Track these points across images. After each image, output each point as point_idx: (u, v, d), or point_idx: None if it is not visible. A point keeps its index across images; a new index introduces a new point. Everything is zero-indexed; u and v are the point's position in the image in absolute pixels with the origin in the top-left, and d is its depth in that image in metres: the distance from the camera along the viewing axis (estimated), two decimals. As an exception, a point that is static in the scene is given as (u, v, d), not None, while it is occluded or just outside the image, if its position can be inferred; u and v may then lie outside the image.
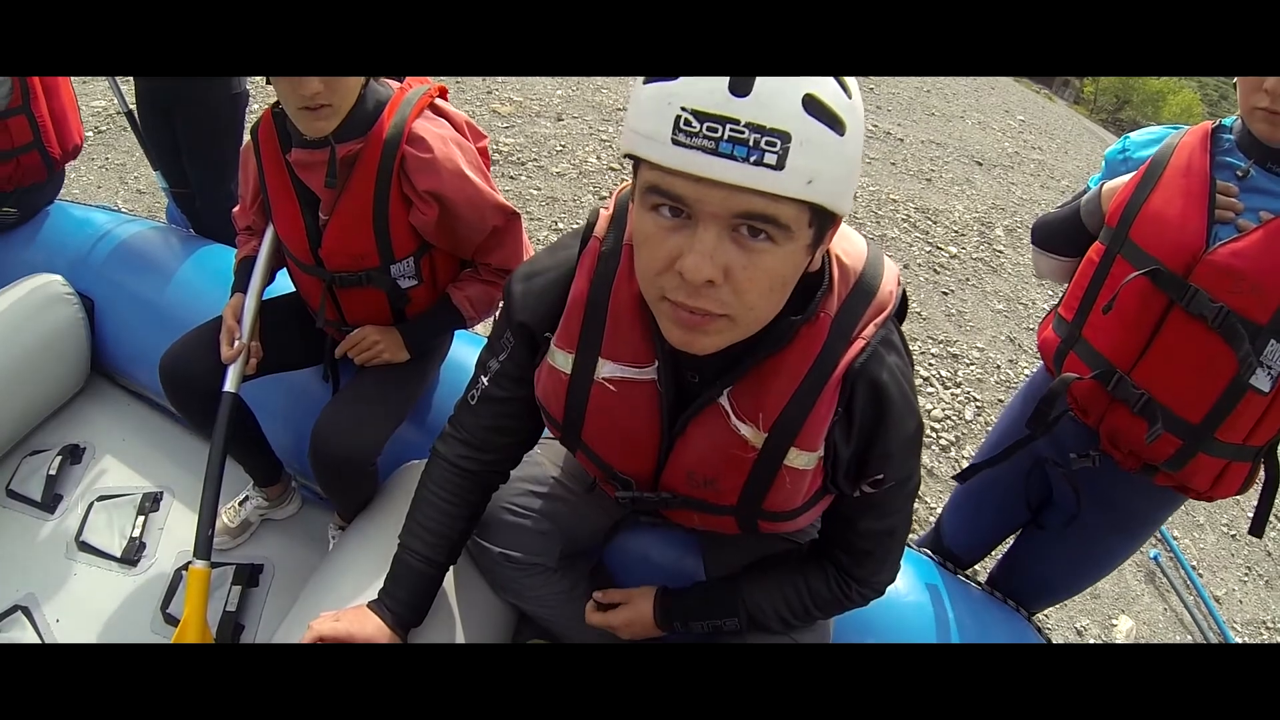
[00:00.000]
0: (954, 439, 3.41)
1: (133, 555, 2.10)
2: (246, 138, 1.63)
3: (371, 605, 1.26)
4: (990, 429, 1.86)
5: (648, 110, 0.74)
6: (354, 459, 1.56)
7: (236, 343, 1.62)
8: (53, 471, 2.29)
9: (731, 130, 0.69)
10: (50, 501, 2.26)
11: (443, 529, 1.27)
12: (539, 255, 1.12)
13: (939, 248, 4.87)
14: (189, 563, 1.99)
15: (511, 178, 4.30)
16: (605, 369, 1.03)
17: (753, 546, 1.34)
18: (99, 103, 4.99)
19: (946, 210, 5.46)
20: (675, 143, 0.71)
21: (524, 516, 1.42)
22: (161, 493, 2.24)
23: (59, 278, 2.41)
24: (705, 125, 0.70)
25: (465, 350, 1.92)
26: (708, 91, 0.70)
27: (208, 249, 2.41)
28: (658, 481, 1.14)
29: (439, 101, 1.52)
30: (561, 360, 1.06)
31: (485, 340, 1.86)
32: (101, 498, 2.24)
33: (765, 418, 0.98)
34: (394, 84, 1.48)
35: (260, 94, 4.79)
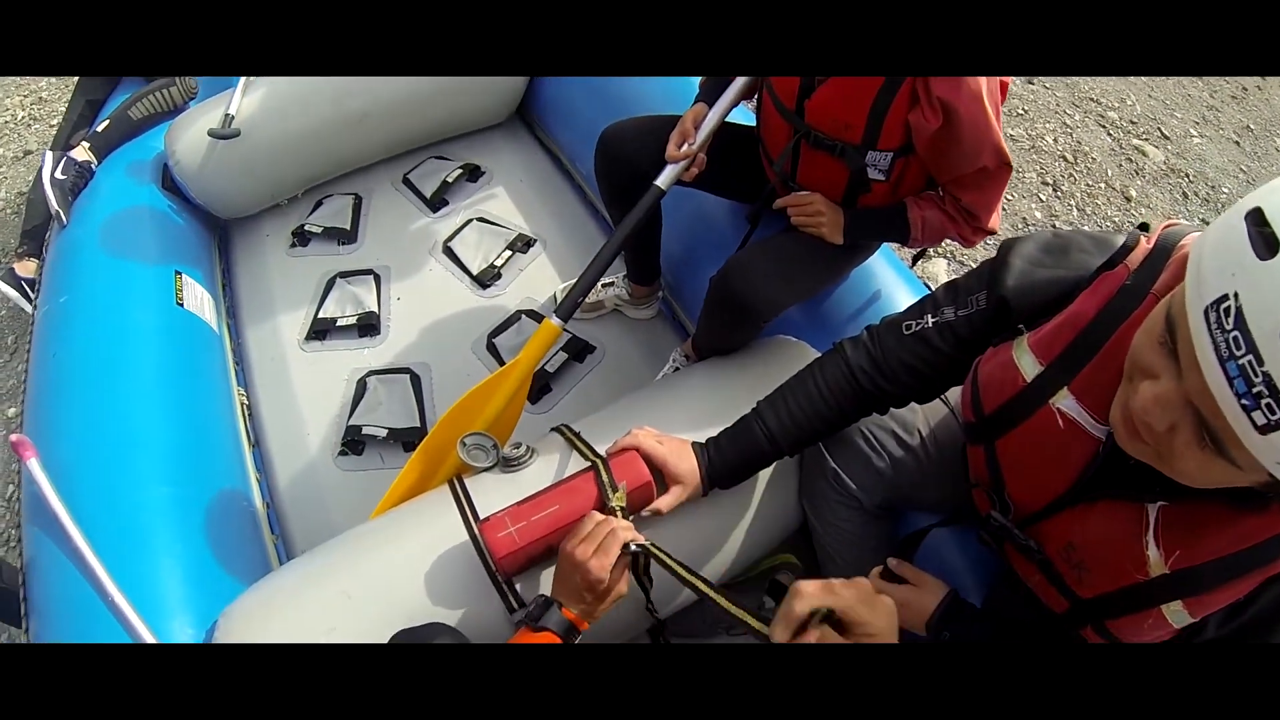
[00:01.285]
0: None
1: (486, 279, 2.24)
2: None
3: (695, 446, 1.28)
4: None
5: (1218, 254, 0.65)
6: (753, 307, 1.54)
7: (686, 146, 1.60)
8: (449, 179, 2.50)
9: (1250, 362, 0.61)
10: (436, 203, 2.47)
11: (805, 422, 1.24)
12: (1046, 240, 1.04)
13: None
14: (535, 312, 2.12)
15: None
16: (1065, 401, 0.95)
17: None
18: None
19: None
20: (1205, 314, 0.64)
21: (874, 450, 1.36)
22: (535, 240, 2.37)
23: None
24: (1236, 332, 0.62)
25: (882, 266, 1.78)
26: (1265, 307, 0.61)
27: (666, 49, 2.33)
28: (1031, 524, 1.08)
29: None
30: (1027, 364, 0.99)
31: (906, 271, 1.80)
32: (481, 219, 2.37)
33: (1180, 559, 0.88)
34: None
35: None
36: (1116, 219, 3.41)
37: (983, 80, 1.31)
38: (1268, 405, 0.61)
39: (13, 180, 3.28)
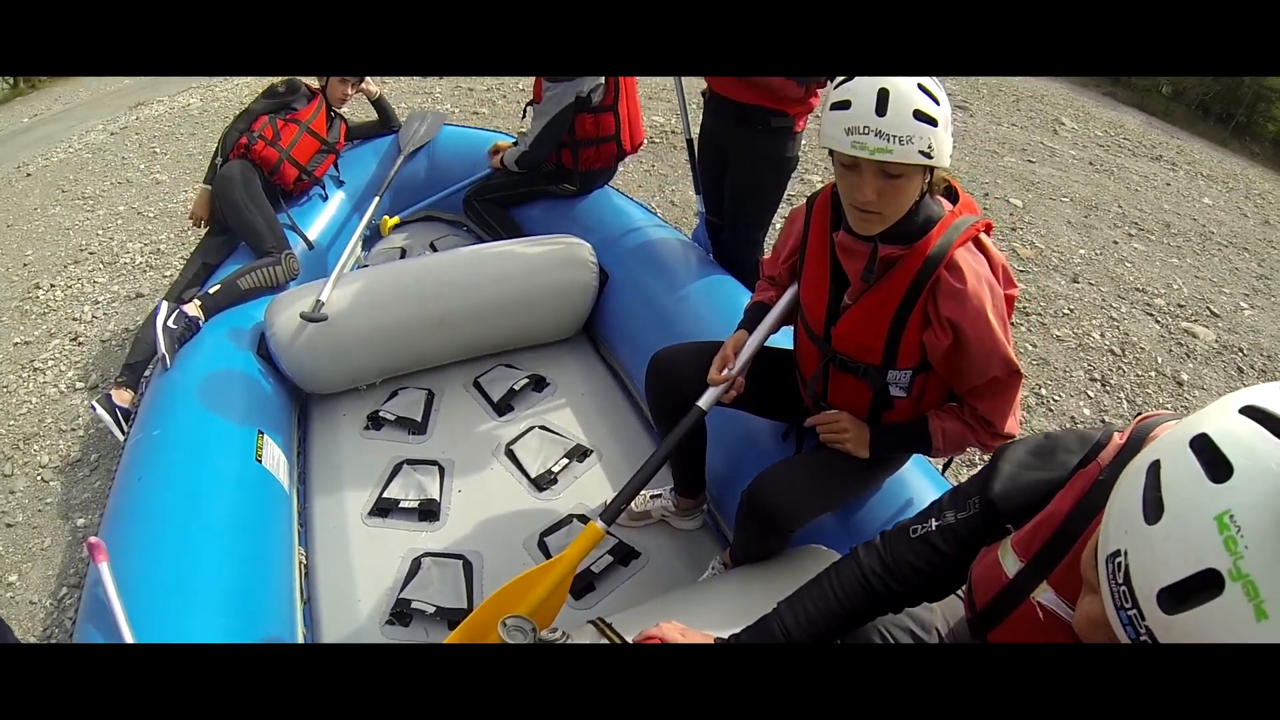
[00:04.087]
0: None
1: (543, 483, 2.40)
2: (795, 202, 1.71)
3: (719, 641, 1.34)
4: None
5: (1121, 506, 0.69)
6: (782, 518, 1.63)
7: (726, 371, 1.74)
8: (516, 387, 2.75)
9: (1135, 616, 0.66)
10: (502, 408, 2.72)
11: (821, 621, 1.29)
12: (1036, 443, 1.11)
13: None
14: (585, 516, 2.27)
15: (1013, 324, 4.07)
16: (1045, 595, 0.99)
17: None
18: (657, 118, 5.99)
19: None
20: (1106, 562, 0.70)
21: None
22: (591, 451, 2.54)
23: (589, 246, 2.87)
24: (1125, 587, 0.67)
25: (915, 474, 1.87)
26: (1146, 572, 0.65)
27: (720, 277, 2.63)
28: None
29: (983, 236, 1.52)
30: (1010, 564, 1.04)
31: (938, 477, 1.90)
32: (544, 428, 2.60)
33: None
34: (947, 205, 1.51)
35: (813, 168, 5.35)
36: (1169, 406, 3.39)
37: (986, 299, 1.42)
38: None
39: (122, 316, 3.70)
